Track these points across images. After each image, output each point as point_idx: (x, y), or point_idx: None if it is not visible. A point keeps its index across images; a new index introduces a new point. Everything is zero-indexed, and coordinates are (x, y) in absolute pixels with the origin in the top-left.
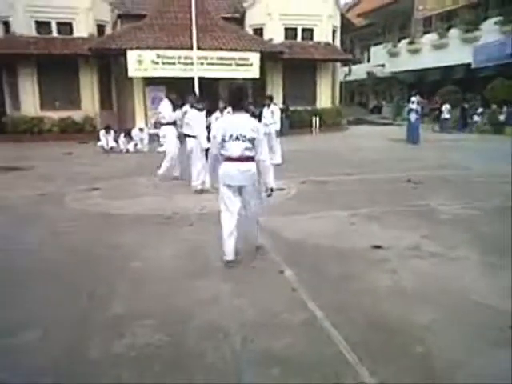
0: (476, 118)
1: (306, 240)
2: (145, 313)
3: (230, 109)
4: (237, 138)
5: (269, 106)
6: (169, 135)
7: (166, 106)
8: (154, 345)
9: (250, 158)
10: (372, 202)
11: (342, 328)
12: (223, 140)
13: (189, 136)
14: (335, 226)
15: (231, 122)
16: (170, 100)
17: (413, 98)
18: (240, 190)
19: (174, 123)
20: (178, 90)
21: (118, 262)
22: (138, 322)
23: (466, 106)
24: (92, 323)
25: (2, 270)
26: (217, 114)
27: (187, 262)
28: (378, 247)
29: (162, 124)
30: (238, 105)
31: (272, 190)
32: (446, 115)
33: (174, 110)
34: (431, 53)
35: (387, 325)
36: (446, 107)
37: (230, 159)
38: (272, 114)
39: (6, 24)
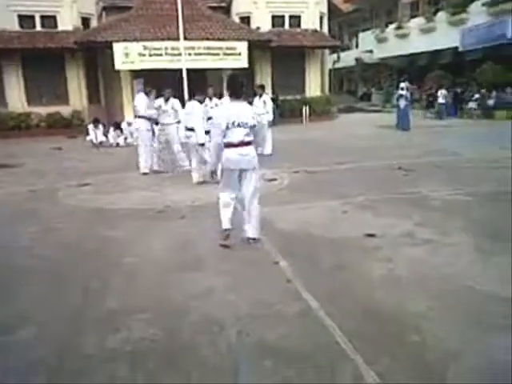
0: (471, 104)
1: (300, 230)
2: (139, 307)
3: (225, 98)
4: (238, 125)
5: (261, 95)
6: (141, 128)
7: (140, 99)
8: (148, 339)
9: (249, 143)
10: (364, 191)
11: (337, 317)
12: (226, 127)
13: (190, 129)
14: (328, 215)
15: (233, 110)
16: (146, 93)
17: (402, 84)
18: (240, 175)
19: (147, 117)
20: (166, 81)
21: (111, 256)
22: (133, 317)
23: (459, 90)
24: (86, 318)
25: None
26: (206, 101)
27: (180, 256)
28: (372, 235)
29: (136, 116)
30: (237, 93)
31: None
32: (441, 100)
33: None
34: (419, 37)
35: (382, 313)
36: (441, 92)
37: (231, 145)
38: (264, 104)
39: None
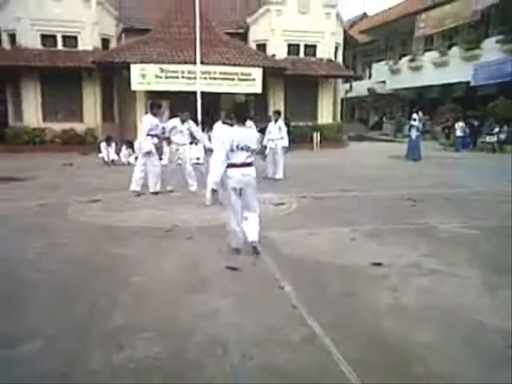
0: (489, 138)
1: (306, 255)
2: (145, 325)
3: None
4: (242, 148)
5: (276, 120)
6: (145, 148)
7: (145, 120)
8: (153, 357)
9: (251, 164)
10: (372, 219)
11: (342, 345)
12: (231, 149)
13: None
14: (335, 241)
15: (238, 134)
16: (154, 114)
17: (414, 115)
18: (240, 193)
19: (156, 137)
20: (180, 103)
21: (118, 274)
22: (138, 335)
23: (476, 123)
24: (92, 334)
25: (3, 280)
26: (218, 124)
27: (187, 276)
28: (378, 264)
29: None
30: (243, 119)
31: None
32: (459, 133)
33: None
34: (432, 70)
35: (388, 343)
36: (459, 125)
37: (234, 165)
38: (279, 130)
39: (12, 36)
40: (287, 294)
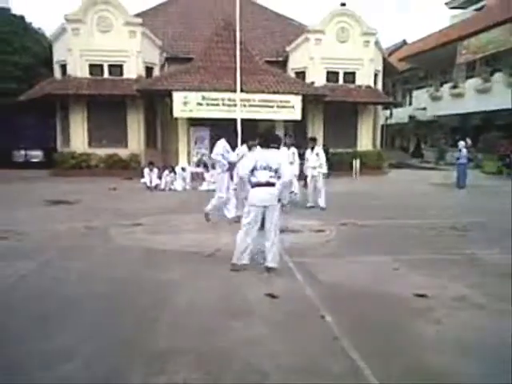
0: None
1: (347, 284)
2: (184, 350)
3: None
4: (264, 168)
5: (313, 148)
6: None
7: (220, 145)
8: (191, 383)
9: (273, 184)
10: (415, 248)
11: (385, 380)
12: (254, 168)
13: None
14: (376, 270)
15: (261, 156)
16: (227, 141)
17: (461, 143)
18: (264, 212)
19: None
20: (221, 130)
21: (160, 296)
22: (177, 359)
23: None
24: (132, 356)
25: (47, 299)
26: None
27: (227, 302)
28: (422, 296)
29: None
30: (266, 142)
31: (283, 205)
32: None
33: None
34: (474, 97)
35: (432, 379)
36: None
37: (258, 185)
38: (317, 157)
39: (63, 67)
40: (328, 324)
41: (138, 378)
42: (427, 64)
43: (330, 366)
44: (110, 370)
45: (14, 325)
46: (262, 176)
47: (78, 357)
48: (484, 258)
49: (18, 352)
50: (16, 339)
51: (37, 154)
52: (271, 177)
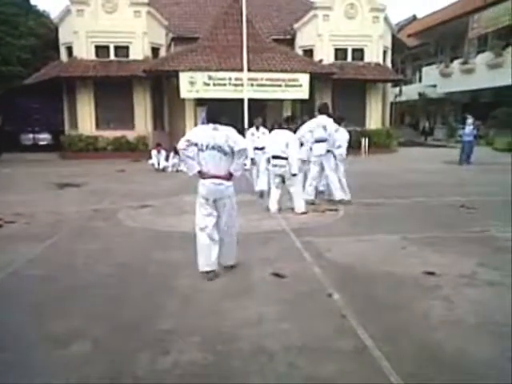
0: None
1: (355, 263)
2: (190, 330)
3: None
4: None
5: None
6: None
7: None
8: (198, 363)
9: (285, 158)
10: (423, 227)
11: (393, 359)
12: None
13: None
14: (385, 249)
15: (274, 137)
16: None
17: (469, 120)
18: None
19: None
20: (228, 110)
21: (166, 278)
22: (184, 339)
23: None
24: (139, 337)
25: (56, 282)
26: (253, 131)
27: (234, 282)
28: (431, 273)
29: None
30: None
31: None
32: None
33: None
34: (486, 72)
35: (441, 357)
36: None
37: (274, 157)
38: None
39: (69, 49)
40: (336, 303)
41: (145, 358)
42: (438, 39)
43: (338, 345)
44: (117, 351)
45: (22, 309)
46: (274, 149)
47: (87, 338)
48: (495, 235)
49: (30, 333)
50: (26, 322)
51: (45, 137)
52: (282, 151)
